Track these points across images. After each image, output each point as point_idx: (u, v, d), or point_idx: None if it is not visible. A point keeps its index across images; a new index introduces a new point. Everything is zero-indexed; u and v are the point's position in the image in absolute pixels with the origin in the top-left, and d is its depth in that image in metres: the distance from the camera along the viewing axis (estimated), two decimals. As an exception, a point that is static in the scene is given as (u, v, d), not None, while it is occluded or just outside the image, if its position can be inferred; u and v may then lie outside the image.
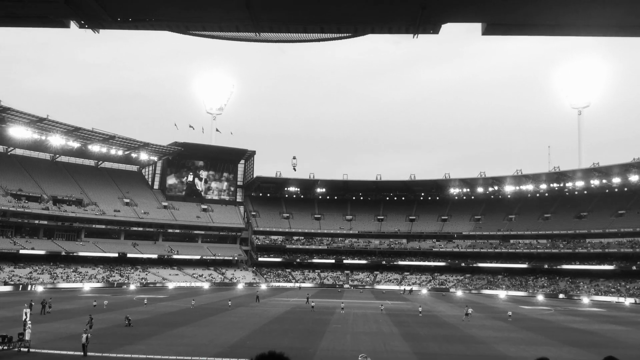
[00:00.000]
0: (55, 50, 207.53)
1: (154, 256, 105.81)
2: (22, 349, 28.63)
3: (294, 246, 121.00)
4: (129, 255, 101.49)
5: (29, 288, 77.54)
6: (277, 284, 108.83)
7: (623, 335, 41.70)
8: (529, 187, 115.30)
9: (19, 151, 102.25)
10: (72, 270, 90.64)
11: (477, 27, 4.72)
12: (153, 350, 29.87)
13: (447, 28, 4.77)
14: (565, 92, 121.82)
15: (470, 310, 56.17)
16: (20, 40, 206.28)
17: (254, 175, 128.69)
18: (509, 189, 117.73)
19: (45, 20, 4.56)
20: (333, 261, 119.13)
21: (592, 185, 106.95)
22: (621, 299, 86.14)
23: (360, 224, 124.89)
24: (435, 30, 4.61)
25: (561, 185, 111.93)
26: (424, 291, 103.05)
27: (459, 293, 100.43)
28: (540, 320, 52.73)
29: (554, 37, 4.74)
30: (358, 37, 4.91)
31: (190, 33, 4.79)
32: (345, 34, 4.77)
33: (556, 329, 45.02)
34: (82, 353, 27.65)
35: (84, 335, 28.38)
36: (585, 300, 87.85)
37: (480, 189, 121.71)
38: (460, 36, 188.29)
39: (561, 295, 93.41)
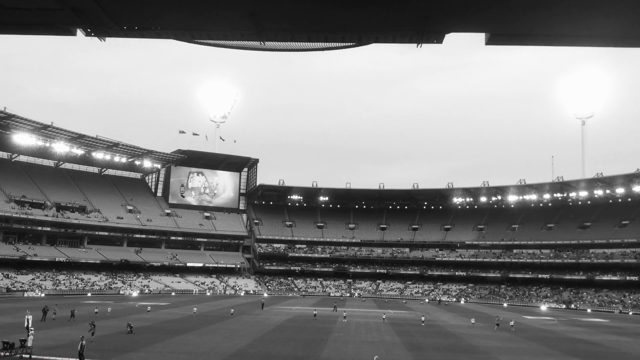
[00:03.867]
0: (61, 58, 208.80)
1: (157, 263, 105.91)
2: (24, 355, 28.59)
3: (296, 254, 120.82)
4: (131, 262, 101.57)
5: (28, 294, 77.52)
6: (279, 292, 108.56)
7: (626, 346, 41.40)
8: (532, 197, 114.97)
9: (23, 158, 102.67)
10: (74, 276, 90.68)
11: (481, 37, 4.74)
12: (154, 357, 29.84)
13: (451, 38, 4.80)
14: (569, 102, 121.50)
15: (473, 321, 55.93)
16: (27, 48, 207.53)
17: (257, 183, 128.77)
18: (512, 198, 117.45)
19: (53, 28, 4.60)
20: (335, 270, 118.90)
21: (596, 196, 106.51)
22: (625, 310, 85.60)
23: (363, 233, 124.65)
24: (439, 39, 4.63)
25: (565, 195, 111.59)
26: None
27: (462, 302, 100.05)
28: (544, 331, 52.42)
29: (557, 47, 4.76)
30: (363, 47, 4.94)
31: (196, 41, 4.82)
32: (349, 43, 4.79)
33: (559, 340, 44.73)
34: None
35: (80, 342, 28.25)
36: (589, 310, 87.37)
37: (483, 199, 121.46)
38: (465, 47, 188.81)
39: (564, 306, 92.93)
